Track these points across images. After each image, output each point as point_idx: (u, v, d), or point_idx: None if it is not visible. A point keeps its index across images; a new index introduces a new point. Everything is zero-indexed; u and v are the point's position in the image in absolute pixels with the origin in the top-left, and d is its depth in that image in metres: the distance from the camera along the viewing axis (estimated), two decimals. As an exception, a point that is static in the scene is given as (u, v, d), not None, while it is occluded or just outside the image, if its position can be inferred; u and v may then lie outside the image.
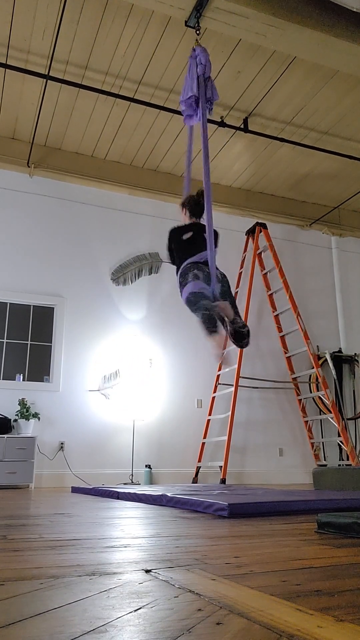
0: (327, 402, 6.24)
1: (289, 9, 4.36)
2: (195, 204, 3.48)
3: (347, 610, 0.76)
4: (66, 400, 5.83)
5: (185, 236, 3.36)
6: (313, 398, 6.81)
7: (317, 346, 7.18)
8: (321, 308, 7.52)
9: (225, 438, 5.75)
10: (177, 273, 3.29)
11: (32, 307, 6.07)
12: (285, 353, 6.92)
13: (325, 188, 7.45)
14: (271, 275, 7.13)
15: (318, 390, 6.59)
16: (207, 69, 3.80)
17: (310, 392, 6.81)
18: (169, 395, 6.32)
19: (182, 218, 3.54)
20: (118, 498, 3.57)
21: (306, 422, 6.74)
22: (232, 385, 6.04)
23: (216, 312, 3.06)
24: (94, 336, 6.16)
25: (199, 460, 6.08)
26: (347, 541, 1.51)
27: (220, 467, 5.66)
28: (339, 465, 6.68)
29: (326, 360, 6.87)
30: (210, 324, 3.00)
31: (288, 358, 6.91)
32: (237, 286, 6.88)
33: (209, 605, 0.79)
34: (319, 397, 6.62)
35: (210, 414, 6.27)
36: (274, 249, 6.83)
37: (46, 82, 5.16)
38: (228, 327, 3.16)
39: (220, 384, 6.41)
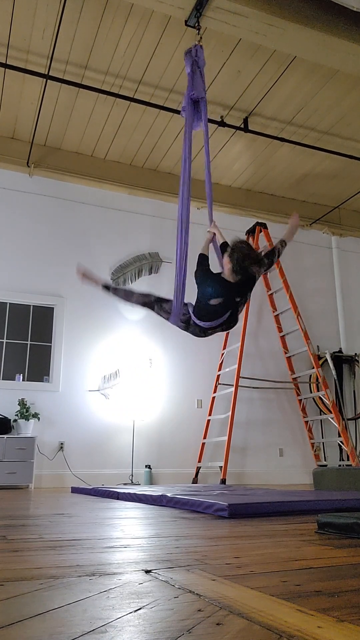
0: (327, 402, 6.24)
1: (289, 8, 4.36)
2: (242, 262, 2.92)
3: (347, 611, 0.76)
4: (66, 400, 5.82)
5: (213, 302, 2.99)
6: (313, 398, 6.81)
7: (318, 346, 7.17)
8: (321, 308, 7.52)
9: (226, 438, 5.75)
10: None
11: (32, 307, 6.07)
12: (286, 353, 6.92)
13: (325, 188, 7.45)
14: (271, 275, 7.13)
15: (318, 391, 6.59)
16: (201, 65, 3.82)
17: (311, 392, 6.80)
18: (169, 395, 6.31)
19: (223, 263, 3.03)
20: (118, 498, 3.56)
21: (306, 422, 6.73)
22: (232, 385, 6.04)
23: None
24: (94, 336, 6.15)
25: (199, 461, 6.07)
26: (347, 541, 1.51)
27: (221, 467, 5.66)
28: (339, 465, 6.68)
29: (326, 360, 6.87)
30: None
31: (288, 358, 6.91)
32: (237, 286, 6.87)
33: (209, 606, 0.79)
34: (319, 397, 6.62)
35: (210, 414, 6.27)
36: (274, 249, 6.82)
37: (46, 82, 5.16)
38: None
39: (220, 384, 6.41)
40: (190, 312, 3.12)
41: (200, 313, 3.06)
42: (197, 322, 3.07)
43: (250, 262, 2.97)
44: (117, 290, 3.56)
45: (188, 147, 3.59)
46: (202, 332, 3.15)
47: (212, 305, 3.01)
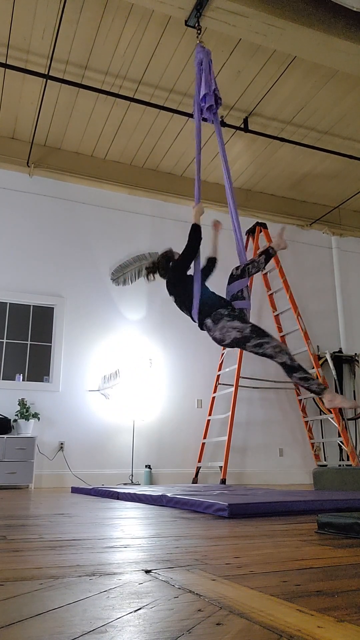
0: (327, 402, 6.23)
1: (289, 8, 4.36)
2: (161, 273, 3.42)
3: (347, 611, 0.76)
4: (66, 400, 5.82)
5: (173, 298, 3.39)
6: (313, 398, 6.80)
7: (318, 346, 7.17)
8: (321, 308, 7.52)
9: (226, 438, 5.75)
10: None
11: (32, 307, 6.07)
12: (286, 353, 6.91)
13: (325, 188, 7.45)
14: (271, 275, 7.13)
15: (318, 390, 6.58)
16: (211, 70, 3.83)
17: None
18: (169, 395, 6.31)
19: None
20: (118, 498, 3.56)
21: (306, 422, 6.73)
22: (232, 385, 6.04)
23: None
24: (94, 336, 6.15)
25: (199, 461, 6.07)
26: (347, 541, 1.51)
27: (221, 467, 5.66)
28: (339, 465, 6.68)
29: (326, 360, 6.87)
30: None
31: (288, 358, 6.89)
32: (237, 286, 6.87)
33: (209, 606, 0.79)
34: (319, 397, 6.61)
35: (210, 414, 6.27)
36: (274, 249, 6.81)
37: (46, 82, 5.16)
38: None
39: (220, 384, 6.41)
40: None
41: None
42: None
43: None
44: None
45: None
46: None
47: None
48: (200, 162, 3.66)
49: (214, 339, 3.20)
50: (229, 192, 3.63)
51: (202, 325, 3.22)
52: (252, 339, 3.07)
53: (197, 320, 3.22)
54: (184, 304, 3.29)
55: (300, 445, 6.71)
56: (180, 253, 3.34)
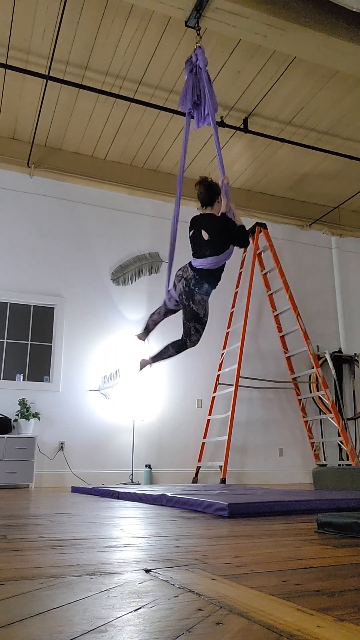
0: (327, 402, 6.24)
1: (289, 9, 4.36)
2: (203, 191, 3.55)
3: (347, 610, 0.76)
4: (66, 400, 5.83)
5: (205, 235, 3.43)
6: (313, 398, 6.81)
7: (317, 346, 7.18)
8: (321, 308, 7.52)
9: (225, 438, 5.75)
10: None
11: (32, 307, 6.07)
12: (285, 353, 6.92)
13: (325, 188, 7.45)
14: (271, 275, 7.13)
15: (318, 390, 6.59)
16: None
17: (310, 392, 6.80)
18: (169, 395, 6.31)
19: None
20: (118, 498, 3.57)
21: (306, 422, 6.74)
22: (232, 385, 6.04)
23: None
24: (94, 336, 6.15)
25: (199, 460, 6.08)
26: (347, 541, 1.51)
27: (220, 467, 5.66)
28: (339, 465, 6.68)
29: (326, 360, 6.87)
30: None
31: (288, 358, 6.91)
32: (237, 286, 6.89)
33: (209, 605, 0.79)
34: (319, 397, 6.62)
35: (210, 414, 6.27)
36: (274, 249, 6.83)
37: (46, 82, 5.16)
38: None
39: (220, 384, 6.41)
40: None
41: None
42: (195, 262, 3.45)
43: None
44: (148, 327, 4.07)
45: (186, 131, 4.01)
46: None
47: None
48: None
49: (193, 301, 3.46)
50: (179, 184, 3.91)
51: (200, 279, 3.39)
52: (200, 325, 3.61)
53: (200, 267, 3.37)
54: (208, 247, 3.37)
55: (300, 445, 6.72)
56: (239, 232, 3.42)
